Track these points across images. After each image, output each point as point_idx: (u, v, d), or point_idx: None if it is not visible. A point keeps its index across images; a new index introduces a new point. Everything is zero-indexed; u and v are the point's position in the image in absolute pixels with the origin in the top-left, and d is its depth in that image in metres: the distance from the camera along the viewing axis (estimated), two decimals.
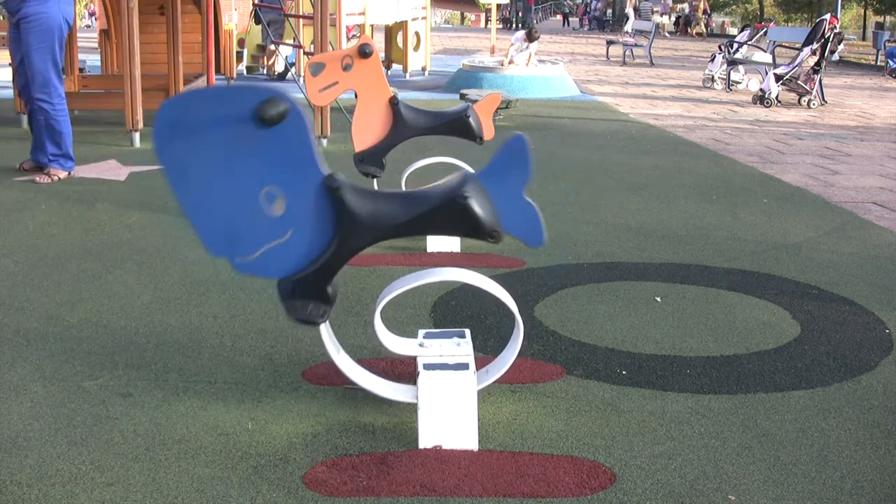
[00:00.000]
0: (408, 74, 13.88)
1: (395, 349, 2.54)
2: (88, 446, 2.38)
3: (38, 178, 5.61)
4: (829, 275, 4.08)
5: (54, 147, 5.66)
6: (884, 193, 6.12)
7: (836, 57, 17.42)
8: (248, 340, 3.13)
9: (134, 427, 2.49)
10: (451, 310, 3.47)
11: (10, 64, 6.60)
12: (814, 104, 11.35)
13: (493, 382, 2.57)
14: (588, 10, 36.62)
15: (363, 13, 11.46)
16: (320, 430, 2.49)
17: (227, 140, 2.23)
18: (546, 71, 12.46)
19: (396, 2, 12.75)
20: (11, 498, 2.13)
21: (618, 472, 2.31)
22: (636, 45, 19.05)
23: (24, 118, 7.16)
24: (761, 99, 11.44)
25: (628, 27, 21.67)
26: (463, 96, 9.07)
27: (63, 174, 5.70)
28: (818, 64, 11.31)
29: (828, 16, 11.98)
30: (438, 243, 4.27)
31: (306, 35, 11.34)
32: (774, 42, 13.72)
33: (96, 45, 11.72)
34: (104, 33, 9.71)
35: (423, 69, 14.43)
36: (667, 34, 29.14)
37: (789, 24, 32.56)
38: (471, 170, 2.87)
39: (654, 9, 30.11)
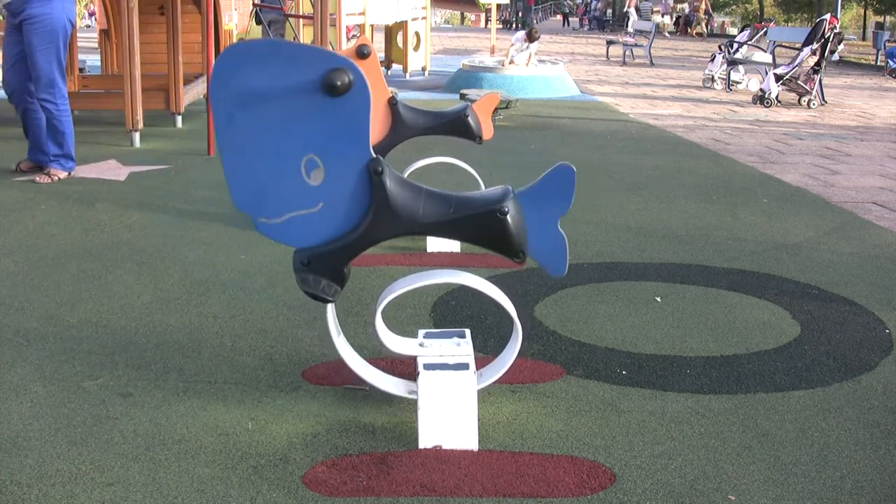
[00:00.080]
0: (408, 74, 13.88)
1: (395, 349, 2.54)
2: (88, 446, 2.38)
3: (38, 178, 5.61)
4: (829, 275, 4.08)
5: (56, 147, 5.66)
6: (884, 193, 6.12)
7: (836, 57, 17.41)
8: (248, 340, 3.13)
9: (134, 427, 2.49)
10: (451, 310, 3.47)
11: None
12: (814, 104, 11.35)
13: (493, 382, 2.57)
14: (588, 10, 36.61)
15: (363, 13, 11.47)
16: (320, 430, 2.49)
17: (286, 99, 2.18)
18: (546, 71, 12.46)
19: (396, 2, 12.75)
20: (11, 498, 2.13)
21: (618, 472, 2.31)
22: (636, 45, 19.05)
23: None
24: (761, 99, 11.44)
25: (630, 27, 21.67)
26: (463, 96, 9.07)
27: (63, 174, 5.70)
28: (818, 64, 11.30)
29: (828, 16, 11.97)
30: (438, 243, 4.27)
31: (306, 35, 11.34)
32: (774, 42, 13.72)
33: (96, 45, 11.71)
34: (104, 33, 9.71)
35: (423, 69, 14.44)
36: (667, 34, 29.13)
37: (789, 24, 32.56)
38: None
39: (655, 9, 30.10)
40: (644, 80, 15.09)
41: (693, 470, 2.33)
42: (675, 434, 2.52)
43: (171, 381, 2.79)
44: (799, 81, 11.38)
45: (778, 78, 11.39)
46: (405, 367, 2.83)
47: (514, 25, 36.49)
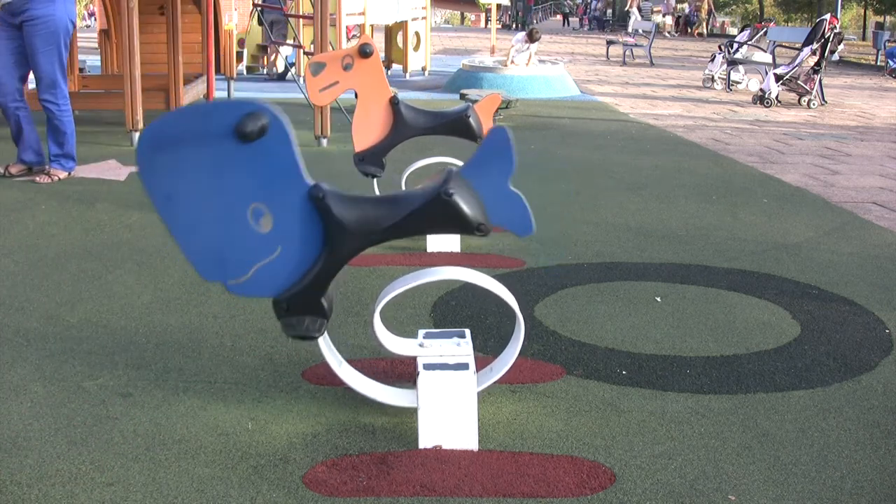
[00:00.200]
0: (408, 74, 13.89)
1: (395, 349, 2.54)
2: (88, 446, 2.38)
3: (38, 178, 5.61)
4: (829, 275, 4.08)
5: (57, 147, 5.67)
6: (884, 193, 6.12)
7: (836, 57, 17.42)
8: (248, 340, 3.13)
9: (134, 427, 2.49)
10: (451, 310, 3.47)
11: None
12: (814, 104, 11.35)
13: (493, 382, 2.57)
14: (588, 10, 36.62)
15: (363, 13, 11.47)
16: (320, 430, 2.49)
17: (209, 159, 2.18)
18: (546, 71, 12.47)
19: (396, 2, 12.75)
20: (11, 498, 2.13)
21: (618, 472, 2.31)
22: (636, 45, 19.06)
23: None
24: (761, 99, 11.44)
25: (631, 26, 21.67)
26: (463, 96, 9.07)
27: (63, 174, 5.70)
28: (818, 64, 11.31)
29: (828, 16, 11.98)
30: (438, 243, 4.27)
31: (306, 35, 11.34)
32: (774, 42, 13.73)
33: (96, 45, 11.72)
34: (104, 33, 9.72)
35: (423, 69, 14.43)
36: (667, 34, 29.13)
37: (789, 24, 32.56)
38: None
39: (656, 9, 30.10)
40: (644, 80, 15.10)
41: (693, 470, 2.33)
42: (675, 434, 2.52)
43: (171, 381, 2.79)
44: (799, 81, 11.39)
45: (778, 78, 11.40)
46: (405, 367, 2.83)
47: (514, 26, 36.47)
